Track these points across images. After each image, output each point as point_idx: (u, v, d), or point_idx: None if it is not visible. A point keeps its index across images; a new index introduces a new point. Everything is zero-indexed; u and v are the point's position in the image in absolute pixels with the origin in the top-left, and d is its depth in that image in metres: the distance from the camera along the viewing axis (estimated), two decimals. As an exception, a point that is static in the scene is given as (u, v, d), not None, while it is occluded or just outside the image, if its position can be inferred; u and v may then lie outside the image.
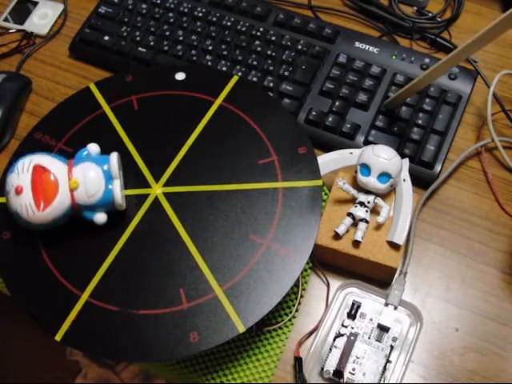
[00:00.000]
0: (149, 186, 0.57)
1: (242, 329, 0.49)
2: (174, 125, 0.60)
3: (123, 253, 0.54)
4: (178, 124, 0.60)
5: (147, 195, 0.56)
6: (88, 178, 0.52)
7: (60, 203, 0.51)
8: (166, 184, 0.57)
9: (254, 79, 0.67)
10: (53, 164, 0.52)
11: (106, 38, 0.72)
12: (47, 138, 0.60)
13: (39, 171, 0.51)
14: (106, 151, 0.55)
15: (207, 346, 0.49)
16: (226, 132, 0.59)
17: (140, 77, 0.64)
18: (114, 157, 0.53)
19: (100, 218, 0.53)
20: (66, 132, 0.60)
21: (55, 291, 0.52)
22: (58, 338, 0.50)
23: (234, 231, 0.53)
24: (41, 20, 0.77)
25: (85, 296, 0.52)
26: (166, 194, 0.56)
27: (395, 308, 0.54)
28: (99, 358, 0.56)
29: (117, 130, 0.60)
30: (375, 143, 0.62)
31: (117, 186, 0.53)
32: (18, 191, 0.50)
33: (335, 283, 0.56)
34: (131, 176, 0.57)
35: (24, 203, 0.50)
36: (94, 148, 0.55)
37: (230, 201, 0.55)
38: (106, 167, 0.53)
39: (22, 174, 0.51)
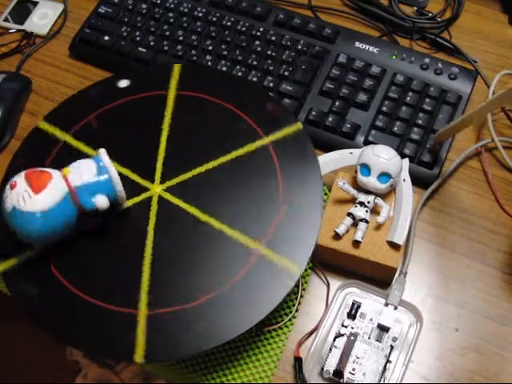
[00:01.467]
0: (147, 190, 0.56)
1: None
2: (142, 127, 0.60)
3: (157, 259, 0.52)
4: (144, 125, 0.60)
5: (150, 198, 0.56)
6: (79, 164, 0.53)
7: (55, 185, 0.50)
8: (162, 181, 0.57)
9: (254, 79, 0.67)
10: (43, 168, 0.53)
11: (106, 38, 0.72)
12: None
13: (31, 170, 0.52)
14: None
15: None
16: (194, 115, 0.59)
17: (87, 95, 0.63)
18: (101, 150, 0.53)
19: (101, 200, 0.52)
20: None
21: (112, 321, 0.50)
22: (138, 360, 0.48)
23: (249, 193, 0.54)
24: (41, 20, 0.77)
25: (142, 312, 0.50)
26: (167, 189, 0.56)
27: (395, 308, 0.54)
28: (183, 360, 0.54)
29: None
30: (375, 143, 0.62)
31: (110, 165, 0.52)
32: (13, 185, 0.50)
33: (335, 283, 0.56)
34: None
35: (19, 191, 0.49)
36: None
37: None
38: (96, 159, 0.53)
39: (15, 176, 0.51)
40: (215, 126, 0.59)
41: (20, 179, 0.50)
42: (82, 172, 0.52)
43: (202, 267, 0.52)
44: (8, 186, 0.51)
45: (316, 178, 0.55)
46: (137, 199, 0.56)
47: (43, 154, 0.59)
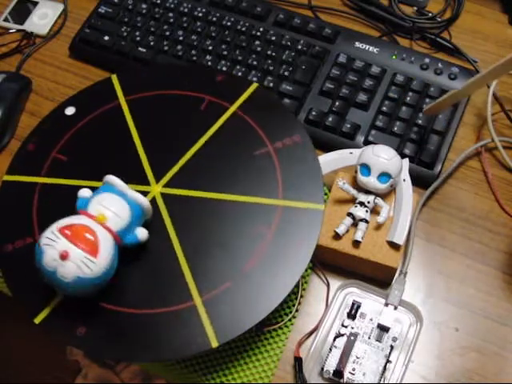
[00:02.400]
0: (148, 184, 0.56)
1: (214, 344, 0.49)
2: (111, 141, 0.60)
3: (188, 251, 0.53)
4: (113, 138, 0.60)
5: (154, 200, 0.56)
6: (109, 203, 0.50)
7: (103, 239, 0.48)
8: (166, 185, 0.57)
9: (254, 79, 0.67)
10: (70, 219, 0.49)
11: (106, 37, 0.72)
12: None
13: (66, 228, 0.48)
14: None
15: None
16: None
17: (42, 132, 0.62)
18: (111, 177, 0.52)
19: (142, 233, 0.52)
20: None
21: (177, 320, 0.50)
22: (215, 345, 0.48)
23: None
24: (41, 20, 0.77)
25: (197, 301, 0.50)
26: (163, 195, 0.56)
27: (395, 308, 0.54)
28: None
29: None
30: (375, 143, 0.62)
31: (134, 192, 0.52)
32: (65, 256, 0.46)
33: (335, 283, 0.56)
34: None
35: (78, 261, 0.46)
36: (86, 192, 0.53)
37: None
38: (112, 188, 0.52)
39: (54, 243, 0.47)
40: (180, 115, 0.60)
41: (69, 246, 0.46)
42: (118, 214, 0.50)
43: (231, 240, 0.53)
44: (56, 257, 0.46)
45: (288, 114, 0.58)
46: (135, 187, 0.56)
47: (25, 204, 0.56)
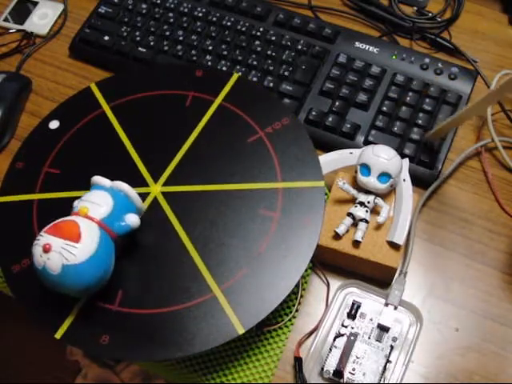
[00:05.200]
0: (147, 186, 0.56)
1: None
2: (100, 147, 0.60)
3: (199, 244, 0.53)
4: (102, 145, 0.60)
5: (146, 194, 0.56)
6: (89, 198, 0.51)
7: (86, 227, 0.48)
8: (165, 184, 0.57)
9: (254, 79, 0.67)
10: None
11: (106, 38, 0.72)
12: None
13: (49, 227, 0.48)
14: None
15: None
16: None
17: (30, 148, 0.61)
18: (92, 178, 0.53)
19: (132, 219, 0.51)
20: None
21: (201, 312, 0.50)
22: (241, 331, 0.49)
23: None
24: (41, 20, 0.77)
25: (217, 291, 0.51)
26: (164, 194, 0.56)
27: (395, 308, 0.54)
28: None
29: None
30: (375, 143, 0.62)
31: (114, 182, 0.52)
32: (47, 248, 0.46)
33: (335, 283, 0.56)
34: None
35: (60, 249, 0.46)
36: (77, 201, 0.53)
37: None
38: (95, 186, 0.52)
39: (38, 241, 0.47)
40: (167, 114, 0.61)
41: (50, 238, 0.47)
42: (98, 203, 0.50)
43: (239, 227, 0.53)
44: (40, 252, 0.47)
45: (273, 100, 0.59)
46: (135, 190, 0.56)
47: (25, 223, 0.56)
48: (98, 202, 0.50)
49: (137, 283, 0.52)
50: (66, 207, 0.53)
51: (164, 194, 0.56)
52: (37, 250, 0.47)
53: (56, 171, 0.59)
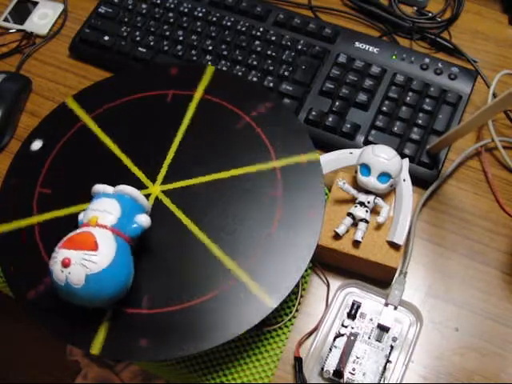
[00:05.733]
0: (146, 188, 0.56)
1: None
2: (90, 161, 0.59)
3: (211, 231, 0.54)
4: (90, 158, 0.59)
5: (147, 196, 0.56)
6: (96, 206, 0.50)
7: (100, 235, 0.48)
8: (164, 182, 0.57)
9: (254, 79, 0.67)
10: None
11: (106, 38, 0.72)
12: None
13: (63, 242, 0.48)
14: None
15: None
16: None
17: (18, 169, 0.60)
18: (92, 188, 0.53)
19: (143, 219, 0.51)
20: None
21: (234, 297, 0.51)
22: (274, 305, 0.50)
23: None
24: (41, 20, 0.77)
25: (243, 275, 0.52)
26: (165, 192, 0.56)
27: (395, 308, 0.54)
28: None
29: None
30: (375, 143, 0.62)
31: (117, 187, 0.52)
32: (66, 262, 0.46)
33: (335, 283, 0.56)
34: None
35: (80, 260, 0.46)
36: (82, 214, 0.53)
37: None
38: (97, 195, 0.52)
39: (56, 258, 0.47)
40: (150, 114, 0.61)
41: (67, 253, 0.47)
42: (106, 210, 0.50)
43: (248, 211, 0.54)
44: (60, 268, 0.47)
45: (253, 85, 0.61)
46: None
47: (32, 247, 0.55)
48: (105, 209, 0.50)
49: (159, 282, 0.52)
50: (68, 224, 0.53)
51: (165, 192, 0.56)
52: (56, 266, 0.47)
53: (48, 191, 0.58)
